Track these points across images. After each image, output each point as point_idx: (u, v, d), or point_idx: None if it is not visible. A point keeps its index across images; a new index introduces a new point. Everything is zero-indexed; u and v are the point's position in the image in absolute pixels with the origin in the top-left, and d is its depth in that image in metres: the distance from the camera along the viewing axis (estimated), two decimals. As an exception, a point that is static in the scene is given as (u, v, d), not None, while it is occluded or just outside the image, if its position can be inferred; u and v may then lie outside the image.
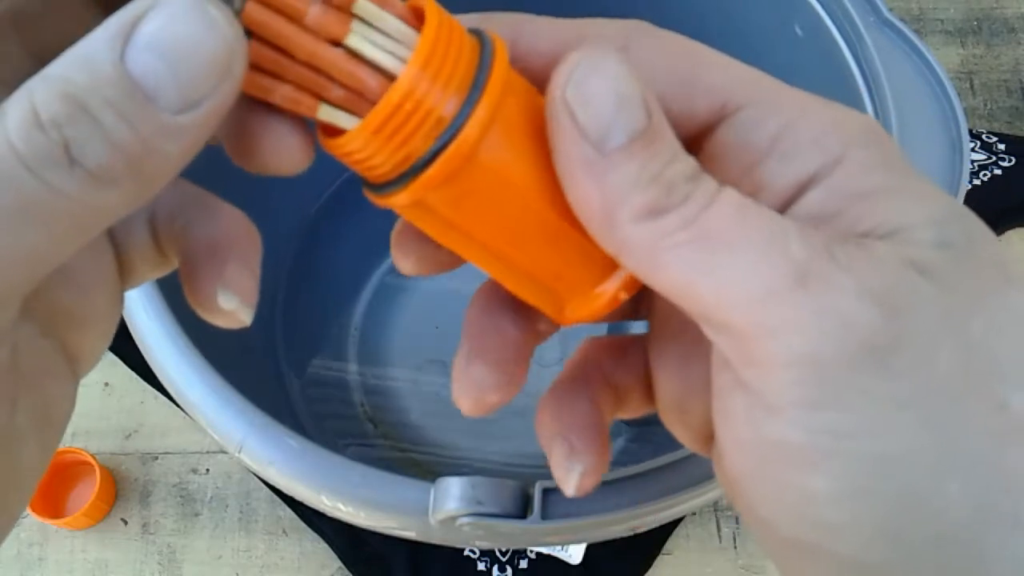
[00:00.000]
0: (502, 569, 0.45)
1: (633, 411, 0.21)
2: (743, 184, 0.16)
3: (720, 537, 0.46)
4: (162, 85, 0.12)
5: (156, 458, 0.49)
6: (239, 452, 0.28)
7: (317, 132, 0.15)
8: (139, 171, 0.12)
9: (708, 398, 0.17)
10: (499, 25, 0.16)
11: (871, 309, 0.13)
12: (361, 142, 0.14)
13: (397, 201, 0.14)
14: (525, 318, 0.20)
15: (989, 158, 0.55)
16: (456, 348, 0.21)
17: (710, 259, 0.14)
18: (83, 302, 0.15)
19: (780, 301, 0.13)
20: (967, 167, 0.33)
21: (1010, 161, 0.55)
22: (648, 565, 0.46)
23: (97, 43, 0.12)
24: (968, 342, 0.14)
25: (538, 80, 0.16)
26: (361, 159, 0.14)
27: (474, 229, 0.15)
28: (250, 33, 0.13)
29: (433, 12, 0.14)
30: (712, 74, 0.16)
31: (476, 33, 0.15)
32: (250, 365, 0.43)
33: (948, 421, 0.13)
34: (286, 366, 0.47)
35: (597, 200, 0.14)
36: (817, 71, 0.35)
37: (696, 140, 0.16)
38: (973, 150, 0.55)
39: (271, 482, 0.28)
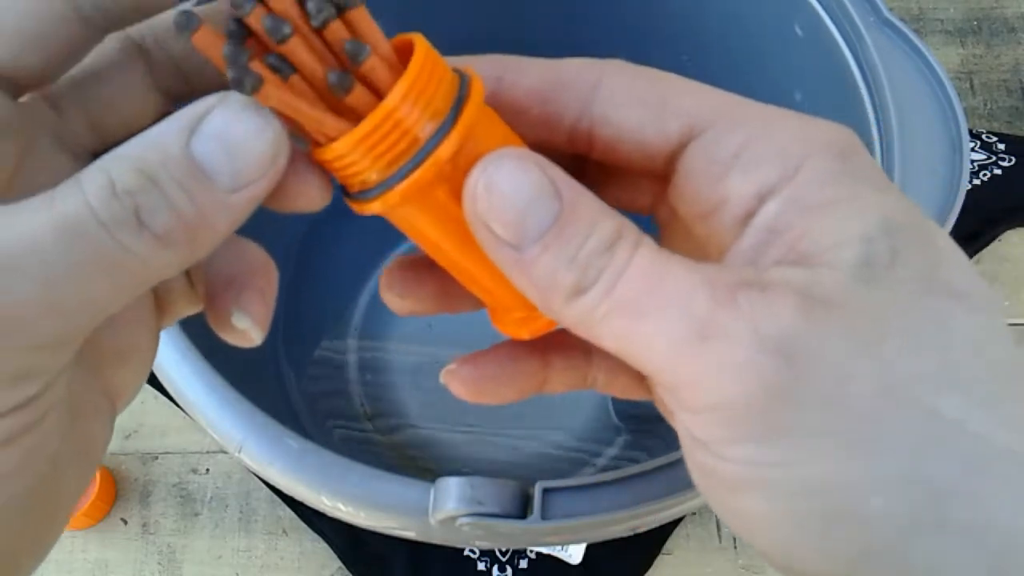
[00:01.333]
0: (502, 569, 0.45)
1: (617, 390, 0.22)
2: (710, 198, 0.17)
3: (720, 537, 0.46)
4: (219, 169, 0.14)
5: (156, 458, 0.49)
6: (239, 452, 0.28)
7: (309, 143, 0.16)
8: (194, 237, 0.14)
9: None
10: (486, 64, 0.18)
11: (766, 358, 0.14)
12: (345, 152, 0.15)
13: (370, 208, 0.16)
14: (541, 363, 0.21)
15: (989, 158, 0.55)
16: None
17: (629, 325, 0.15)
18: (126, 341, 0.17)
19: (687, 358, 0.15)
20: (967, 167, 0.33)
21: (1010, 161, 0.55)
22: (648, 565, 0.46)
23: (168, 130, 0.14)
24: (882, 362, 0.14)
25: (522, 109, 0.18)
26: (343, 167, 0.16)
27: (436, 235, 0.17)
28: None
29: (421, 46, 0.16)
30: (681, 98, 0.17)
31: (458, 72, 0.16)
32: (250, 365, 0.43)
33: (867, 441, 0.14)
34: (286, 366, 0.47)
35: (528, 289, 0.16)
36: (817, 71, 0.35)
37: (670, 159, 0.17)
38: (973, 150, 0.55)
39: (271, 482, 0.28)
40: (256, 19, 0.14)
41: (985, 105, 0.58)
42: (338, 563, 0.46)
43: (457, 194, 0.16)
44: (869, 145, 0.32)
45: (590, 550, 0.45)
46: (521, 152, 0.16)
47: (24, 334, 0.13)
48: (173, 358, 0.29)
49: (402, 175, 0.16)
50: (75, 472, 0.16)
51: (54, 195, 0.14)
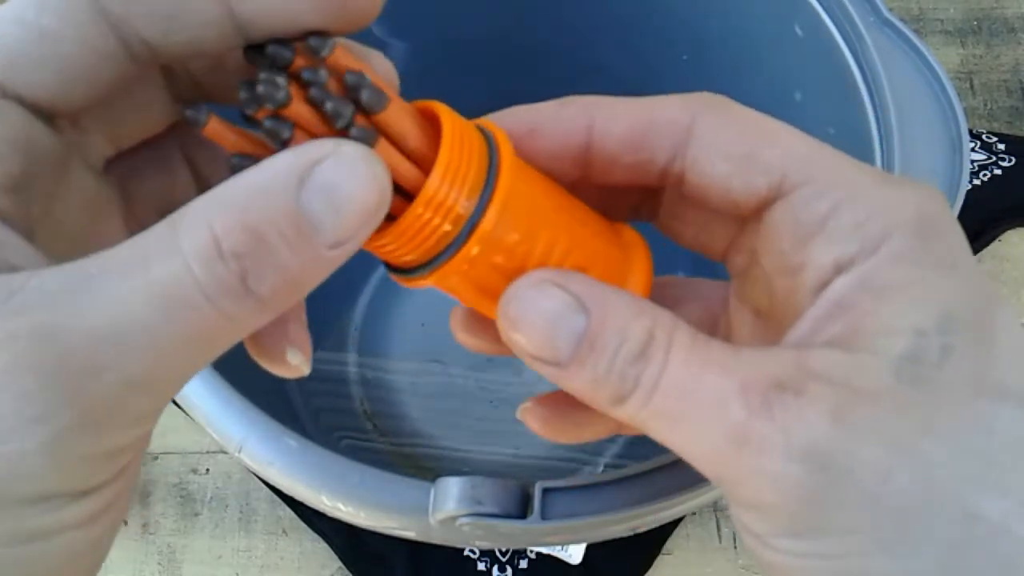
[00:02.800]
0: (502, 569, 0.45)
1: None
2: (791, 259, 0.17)
3: (720, 537, 0.46)
4: (325, 224, 0.13)
5: (156, 458, 0.49)
6: (239, 452, 0.28)
7: None
8: (291, 296, 0.14)
9: None
10: (575, 111, 0.18)
11: (798, 467, 0.15)
12: (390, 241, 0.16)
13: (423, 283, 0.17)
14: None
15: (989, 158, 0.55)
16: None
17: (669, 430, 0.16)
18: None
19: (725, 463, 0.15)
20: (967, 167, 0.33)
21: (1010, 161, 0.55)
22: (648, 565, 0.46)
23: (277, 178, 0.13)
24: (924, 462, 0.14)
25: (614, 158, 0.18)
26: (389, 252, 0.16)
27: (478, 292, 0.17)
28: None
29: (447, 121, 0.16)
30: (772, 152, 0.17)
31: (482, 131, 0.16)
32: (250, 365, 0.43)
33: (904, 539, 0.14)
34: (286, 366, 0.47)
35: (580, 396, 0.16)
36: (817, 71, 0.35)
37: (756, 211, 0.17)
38: (973, 150, 0.55)
39: (271, 482, 0.28)
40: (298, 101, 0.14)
41: (985, 105, 0.58)
42: (338, 563, 0.46)
43: (499, 251, 0.16)
44: (869, 145, 0.32)
45: (590, 550, 0.45)
46: (541, 276, 0.16)
47: (123, 414, 0.13)
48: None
49: (449, 255, 0.16)
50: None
51: (148, 254, 0.13)
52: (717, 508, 0.47)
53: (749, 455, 0.15)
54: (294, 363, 0.17)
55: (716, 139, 0.17)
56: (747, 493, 0.15)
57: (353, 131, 0.14)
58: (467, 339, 0.21)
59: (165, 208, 0.17)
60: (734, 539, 0.46)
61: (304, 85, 0.14)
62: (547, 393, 0.21)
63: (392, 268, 0.17)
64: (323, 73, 0.14)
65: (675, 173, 0.18)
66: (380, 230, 0.16)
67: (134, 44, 0.14)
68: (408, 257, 0.16)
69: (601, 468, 0.46)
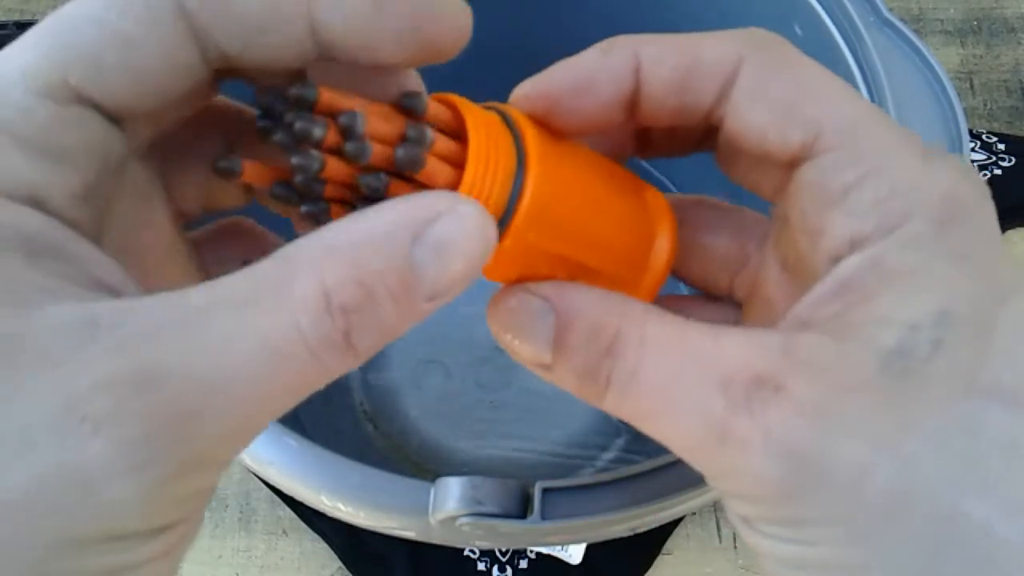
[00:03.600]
0: (502, 569, 0.45)
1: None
2: (813, 222, 0.16)
3: (720, 537, 0.46)
4: (429, 279, 0.13)
5: (156, 458, 0.49)
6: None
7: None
8: (381, 346, 0.13)
9: None
10: (620, 53, 0.17)
11: (777, 463, 0.15)
12: None
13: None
14: None
15: (989, 158, 0.55)
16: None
17: (651, 423, 0.16)
18: None
19: (706, 457, 0.15)
20: (967, 167, 0.33)
21: (1010, 161, 0.55)
22: (648, 565, 0.46)
23: (392, 234, 0.13)
24: (905, 459, 0.14)
25: (659, 101, 0.17)
26: None
27: (528, 263, 0.17)
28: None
29: (473, 132, 0.15)
30: (814, 107, 0.16)
31: (498, 112, 0.16)
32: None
33: (882, 534, 0.14)
34: (286, 366, 0.47)
35: (575, 394, 0.17)
36: (817, 71, 0.35)
37: (788, 165, 0.17)
38: (973, 150, 0.55)
39: (271, 482, 0.28)
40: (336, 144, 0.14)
41: (985, 105, 0.58)
42: (338, 563, 0.46)
43: (530, 238, 0.16)
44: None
45: (590, 550, 0.45)
46: (517, 288, 0.17)
47: (217, 461, 0.13)
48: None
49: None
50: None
51: (257, 296, 0.12)
52: (717, 508, 0.47)
53: (729, 451, 0.15)
54: None
55: (759, 85, 0.17)
56: (730, 485, 0.16)
57: (397, 151, 0.14)
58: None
59: (209, 197, 0.17)
60: (734, 539, 0.46)
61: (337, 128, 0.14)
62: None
63: None
64: (360, 119, 0.14)
65: (718, 116, 0.18)
66: None
67: (211, 53, 0.14)
68: None
69: (601, 468, 0.46)
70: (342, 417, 0.48)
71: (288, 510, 0.47)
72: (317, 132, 0.14)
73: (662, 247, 0.19)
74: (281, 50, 0.14)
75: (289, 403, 0.13)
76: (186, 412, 0.12)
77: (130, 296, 0.13)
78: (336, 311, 0.12)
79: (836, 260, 0.16)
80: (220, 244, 0.18)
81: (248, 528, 0.47)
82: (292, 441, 0.28)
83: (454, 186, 0.15)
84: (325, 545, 0.47)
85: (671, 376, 0.15)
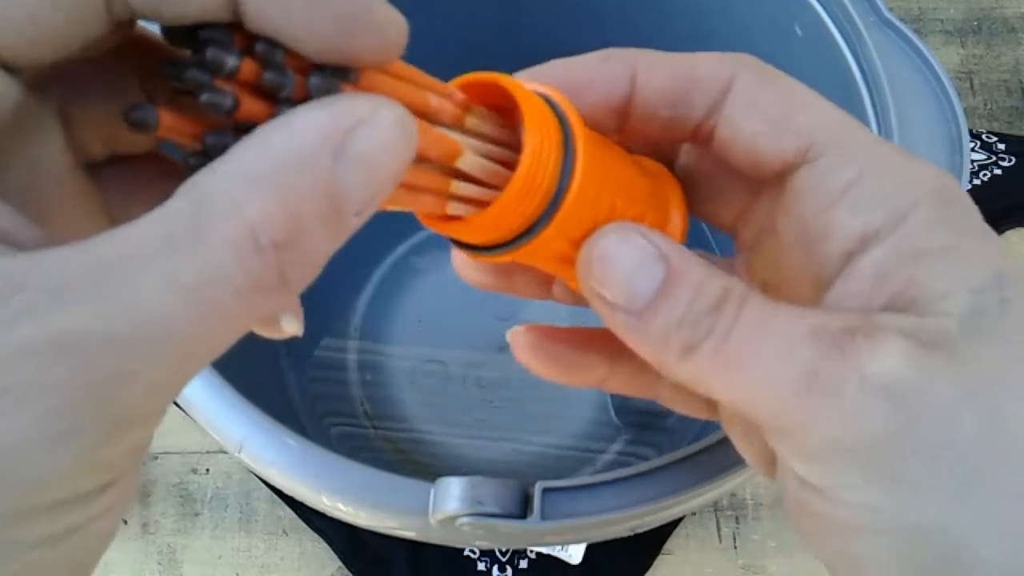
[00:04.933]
0: (502, 569, 0.45)
1: (682, 407, 0.22)
2: (814, 227, 0.17)
3: (720, 537, 0.46)
4: (356, 194, 0.12)
5: (156, 458, 0.49)
6: (239, 452, 0.28)
7: (418, 214, 0.17)
8: (313, 278, 0.12)
9: None
10: (617, 63, 0.18)
11: (874, 403, 0.14)
12: (472, 229, 0.16)
13: (502, 259, 0.17)
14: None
15: (989, 158, 0.55)
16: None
17: (739, 377, 0.16)
18: None
19: (797, 405, 0.15)
20: (967, 167, 0.33)
21: (1010, 161, 0.55)
22: (648, 565, 0.46)
23: (312, 150, 0.11)
24: (991, 412, 0.14)
25: (653, 110, 0.18)
26: (460, 234, 0.17)
27: (563, 254, 0.18)
28: None
29: (529, 118, 0.16)
30: (804, 116, 0.17)
31: (547, 100, 0.17)
32: (250, 365, 0.43)
33: (976, 489, 0.14)
34: (286, 366, 0.47)
35: (645, 350, 0.16)
36: (817, 71, 0.35)
37: (780, 176, 0.18)
38: (973, 150, 0.55)
39: (271, 482, 0.28)
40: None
41: (985, 105, 0.58)
42: (338, 563, 0.46)
43: (574, 222, 0.17)
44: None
45: (590, 550, 0.45)
46: (624, 225, 0.17)
47: (149, 416, 0.12)
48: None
49: (530, 236, 0.16)
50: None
51: (171, 242, 0.11)
52: (717, 508, 0.47)
53: (824, 394, 0.15)
54: (290, 330, 0.16)
55: (752, 97, 0.17)
56: (816, 438, 0.15)
57: (313, 80, 0.12)
58: (469, 271, 0.21)
59: (116, 138, 0.15)
60: (734, 539, 0.46)
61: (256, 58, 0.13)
62: (542, 324, 0.21)
63: (462, 245, 0.18)
64: (279, 53, 0.13)
65: (707, 130, 0.18)
66: (459, 219, 0.16)
67: (118, 7, 0.12)
68: (482, 239, 0.17)
69: (601, 468, 0.46)
70: (342, 417, 0.48)
71: (288, 510, 0.47)
72: (231, 62, 0.12)
73: (675, 223, 0.20)
74: (195, 10, 0.12)
75: (220, 350, 0.12)
76: (109, 375, 0.11)
77: (31, 248, 0.11)
78: (267, 249, 0.11)
79: (849, 256, 0.16)
80: (131, 184, 0.16)
81: (248, 528, 0.47)
82: (292, 441, 0.28)
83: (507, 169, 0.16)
84: (325, 545, 0.47)
85: (765, 327, 0.15)
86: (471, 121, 0.16)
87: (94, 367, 0.11)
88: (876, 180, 0.16)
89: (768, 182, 0.18)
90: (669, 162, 0.21)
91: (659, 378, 0.21)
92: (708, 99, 0.18)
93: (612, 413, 0.47)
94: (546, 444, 0.46)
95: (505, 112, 0.17)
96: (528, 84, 0.17)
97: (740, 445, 0.20)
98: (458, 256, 0.20)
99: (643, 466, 0.27)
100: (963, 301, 0.15)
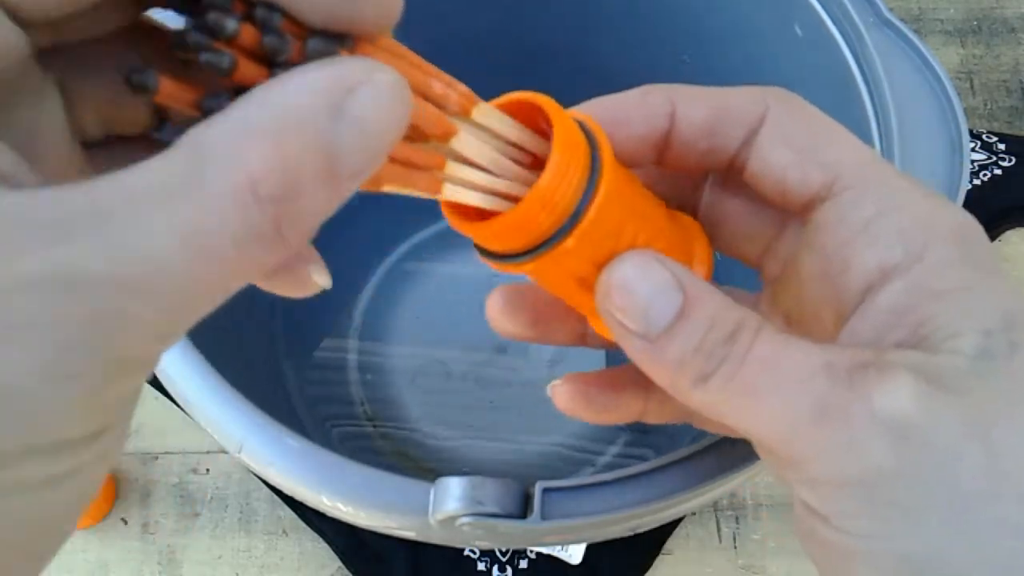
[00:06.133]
0: (502, 569, 0.45)
1: (712, 428, 0.23)
2: (834, 259, 0.17)
3: (720, 537, 0.46)
4: (351, 156, 0.12)
5: (156, 458, 0.49)
6: (239, 452, 0.28)
7: (443, 209, 0.17)
8: (310, 236, 0.12)
9: None
10: (659, 95, 0.19)
11: (881, 438, 0.15)
12: (492, 234, 0.17)
13: (515, 271, 0.18)
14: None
15: (989, 158, 0.55)
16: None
17: (751, 405, 0.16)
18: None
19: (806, 435, 0.16)
20: (967, 167, 0.33)
21: (1010, 161, 0.55)
22: (648, 565, 0.46)
23: (312, 107, 0.12)
24: (993, 449, 0.15)
25: (691, 142, 0.19)
26: (482, 238, 0.17)
27: (579, 275, 0.18)
28: None
29: (559, 126, 0.16)
30: (832, 150, 0.18)
31: (583, 127, 0.17)
32: (250, 365, 0.43)
33: (974, 524, 0.15)
34: (286, 366, 0.47)
35: (659, 377, 0.17)
36: (817, 71, 0.35)
37: (806, 208, 0.18)
38: (973, 150, 0.55)
39: (271, 482, 0.28)
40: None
41: (985, 105, 0.58)
42: (338, 563, 0.46)
43: (593, 242, 0.17)
44: (869, 145, 0.32)
45: (590, 550, 0.45)
46: (644, 252, 0.17)
47: (149, 363, 0.12)
48: (174, 358, 0.29)
49: (548, 247, 0.17)
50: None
51: (171, 190, 0.11)
52: (717, 508, 0.47)
53: (832, 426, 0.15)
54: (320, 281, 0.17)
55: (784, 129, 0.18)
56: (822, 468, 0.16)
57: (311, 43, 0.13)
58: (503, 324, 0.22)
59: (113, 118, 0.15)
60: (734, 539, 0.46)
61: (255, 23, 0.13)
62: (578, 373, 0.22)
63: (487, 253, 0.18)
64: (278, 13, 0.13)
65: (740, 161, 0.19)
66: (480, 219, 0.17)
67: None
68: (501, 246, 0.17)
69: (601, 467, 0.46)
70: (342, 417, 0.48)
71: (288, 510, 0.47)
72: (230, 25, 0.13)
73: (698, 271, 0.20)
74: None
75: (218, 300, 0.12)
76: (110, 314, 0.11)
77: (29, 187, 0.11)
78: (265, 201, 0.11)
79: (867, 290, 0.17)
80: (121, 166, 0.16)
81: (248, 528, 0.47)
82: (292, 441, 0.28)
83: (526, 185, 0.16)
84: (325, 545, 0.47)
85: (778, 358, 0.16)
86: (479, 113, 0.16)
87: (96, 304, 0.11)
88: (897, 216, 0.17)
89: (794, 215, 0.19)
90: (695, 206, 0.21)
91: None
92: (743, 131, 0.18)
93: (612, 413, 0.47)
94: (546, 444, 0.46)
95: (540, 133, 0.17)
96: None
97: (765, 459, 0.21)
98: (493, 307, 0.21)
99: (643, 466, 0.27)
100: (973, 342, 0.15)
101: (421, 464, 0.47)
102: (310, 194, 0.12)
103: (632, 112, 0.18)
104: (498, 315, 0.22)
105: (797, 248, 0.19)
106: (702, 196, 0.21)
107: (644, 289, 0.17)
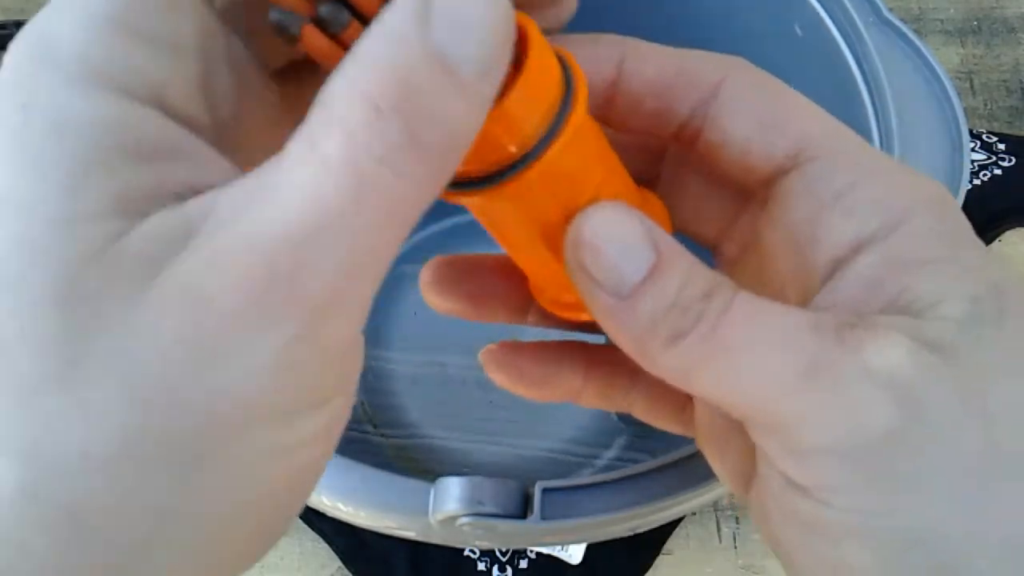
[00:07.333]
0: (502, 569, 0.45)
1: (656, 420, 0.21)
2: (803, 233, 0.16)
3: (720, 537, 0.46)
4: (466, 55, 0.12)
5: (156, 458, 0.49)
6: (239, 452, 0.28)
7: None
8: (459, 146, 0.13)
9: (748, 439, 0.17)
10: (608, 46, 0.17)
11: (879, 396, 0.14)
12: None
13: (469, 201, 0.16)
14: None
15: (989, 158, 0.55)
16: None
17: (731, 366, 0.15)
18: None
19: (794, 395, 0.14)
20: (967, 167, 0.33)
21: (1010, 161, 0.55)
22: (648, 565, 0.46)
23: (402, 21, 0.12)
24: (989, 417, 0.14)
25: (638, 99, 0.17)
26: None
27: (518, 222, 0.17)
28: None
29: (535, 46, 0.15)
30: (795, 120, 0.17)
31: (561, 60, 0.16)
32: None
33: (976, 497, 0.14)
34: (286, 366, 0.47)
35: (627, 339, 0.16)
36: (817, 71, 0.35)
37: (768, 181, 0.17)
38: (973, 150, 0.55)
39: (271, 482, 0.28)
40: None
41: (985, 105, 0.58)
42: (338, 563, 0.46)
43: (557, 183, 0.16)
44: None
45: (590, 550, 0.45)
46: (618, 203, 0.16)
47: (341, 307, 0.12)
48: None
49: (507, 176, 0.16)
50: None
51: (313, 138, 0.12)
52: (717, 508, 0.47)
53: (824, 384, 0.14)
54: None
55: (743, 99, 0.17)
56: (812, 433, 0.14)
57: None
58: (436, 299, 0.21)
59: (277, 47, 0.16)
60: (734, 539, 0.46)
61: None
62: (513, 341, 0.21)
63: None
64: None
65: (693, 129, 0.17)
66: None
67: None
68: (462, 168, 0.16)
69: (602, 467, 0.46)
70: (342, 417, 0.48)
71: (288, 510, 0.47)
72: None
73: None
74: None
75: (394, 228, 0.12)
76: (290, 267, 0.12)
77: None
78: (388, 113, 0.12)
79: (838, 264, 0.16)
80: (308, 84, 0.17)
81: (248, 528, 0.47)
82: (292, 441, 0.28)
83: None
84: (325, 545, 0.47)
85: (760, 314, 0.15)
86: None
87: (275, 262, 0.11)
88: (871, 187, 0.16)
89: (755, 190, 0.18)
90: (652, 182, 0.20)
91: (632, 388, 0.21)
92: (695, 96, 0.17)
93: (613, 414, 0.47)
94: (546, 443, 0.46)
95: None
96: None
97: (714, 462, 0.19)
98: (425, 280, 0.20)
99: (643, 466, 0.27)
100: (961, 308, 0.14)
101: (421, 465, 0.47)
102: (434, 96, 0.12)
103: (578, 54, 0.17)
104: (430, 289, 0.21)
105: (758, 226, 0.18)
106: (660, 173, 0.20)
107: (617, 241, 0.15)
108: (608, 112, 0.18)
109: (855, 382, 0.14)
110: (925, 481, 0.14)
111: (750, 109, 0.17)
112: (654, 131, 0.18)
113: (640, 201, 0.19)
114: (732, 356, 0.15)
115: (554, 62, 0.15)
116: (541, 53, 0.15)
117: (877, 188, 0.16)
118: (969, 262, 0.15)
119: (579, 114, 0.15)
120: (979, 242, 0.16)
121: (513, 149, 0.15)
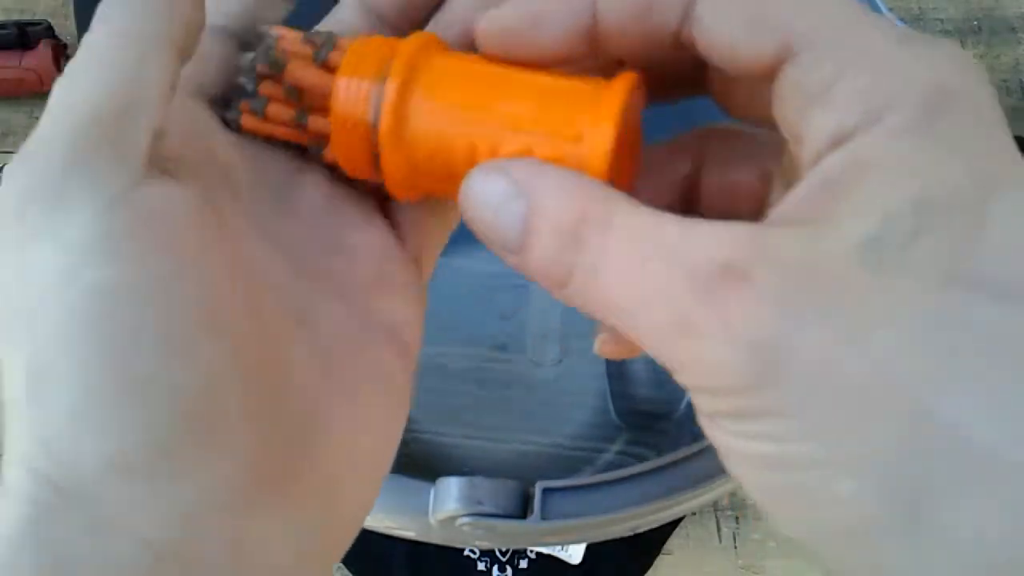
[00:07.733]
0: (502, 569, 0.45)
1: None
2: (793, 129, 0.15)
3: (720, 537, 0.46)
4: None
5: (156, 458, 0.49)
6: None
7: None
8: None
9: None
10: None
11: (738, 354, 0.14)
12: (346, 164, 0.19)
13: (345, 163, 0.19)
14: None
15: (989, 158, 0.55)
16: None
17: (615, 315, 0.15)
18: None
19: (670, 348, 0.15)
20: (967, 167, 0.33)
21: (1010, 161, 0.55)
22: (648, 565, 0.46)
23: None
24: (875, 353, 0.13)
25: (623, 30, 0.17)
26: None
27: (437, 174, 0.18)
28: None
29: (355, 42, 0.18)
30: (779, 9, 0.15)
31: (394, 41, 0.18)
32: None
33: (846, 427, 0.14)
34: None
35: (540, 282, 0.16)
36: (817, 71, 0.35)
37: (766, 76, 0.16)
38: (973, 150, 0.55)
39: (271, 482, 0.28)
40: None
41: (985, 105, 0.58)
42: (338, 563, 0.46)
43: (416, 159, 0.18)
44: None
45: (590, 550, 0.45)
46: (486, 164, 0.16)
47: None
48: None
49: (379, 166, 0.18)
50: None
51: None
52: (717, 508, 0.47)
53: (693, 342, 0.14)
54: None
55: (724, 2, 0.16)
56: (692, 377, 0.15)
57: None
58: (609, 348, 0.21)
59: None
60: (734, 539, 0.46)
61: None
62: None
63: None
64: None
65: (687, 39, 0.17)
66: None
67: None
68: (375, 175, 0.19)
69: (602, 467, 0.46)
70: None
71: (288, 510, 0.47)
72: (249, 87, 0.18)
73: (598, 131, 0.17)
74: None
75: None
76: None
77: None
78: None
79: (819, 159, 0.15)
80: None
81: (248, 528, 0.47)
82: (292, 441, 0.28)
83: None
84: (325, 545, 0.47)
85: (637, 269, 0.15)
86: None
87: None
88: (857, 75, 0.14)
89: (763, 89, 0.16)
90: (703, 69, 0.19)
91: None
92: (677, 8, 0.16)
93: (612, 412, 0.47)
94: (546, 444, 0.47)
95: None
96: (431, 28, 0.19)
97: None
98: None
99: (643, 466, 0.27)
100: (868, 226, 0.13)
101: (421, 464, 0.47)
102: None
103: (550, 9, 0.17)
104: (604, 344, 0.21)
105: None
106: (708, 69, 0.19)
107: (489, 203, 0.16)
108: (597, 48, 0.18)
109: (717, 342, 0.14)
110: (796, 413, 0.14)
111: (729, 8, 0.16)
112: (653, 52, 0.17)
113: (560, 108, 0.18)
114: (613, 308, 0.15)
115: (376, 42, 0.18)
116: (354, 52, 0.18)
117: (864, 77, 0.14)
118: (917, 168, 0.14)
119: (398, 91, 0.17)
120: (963, 144, 0.14)
121: (365, 143, 0.18)
